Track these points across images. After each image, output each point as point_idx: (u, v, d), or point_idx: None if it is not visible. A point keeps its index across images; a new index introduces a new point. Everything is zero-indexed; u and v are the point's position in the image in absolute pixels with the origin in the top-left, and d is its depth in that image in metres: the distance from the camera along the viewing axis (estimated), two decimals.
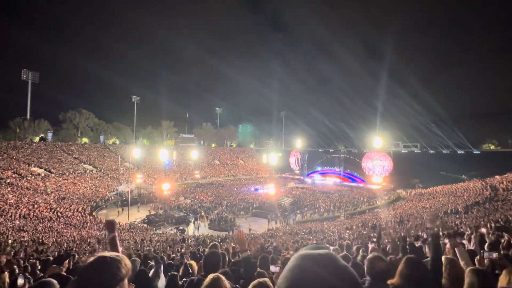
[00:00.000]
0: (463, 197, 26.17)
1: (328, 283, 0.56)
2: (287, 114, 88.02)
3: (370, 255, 2.14)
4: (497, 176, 28.89)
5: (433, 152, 62.20)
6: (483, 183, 28.73)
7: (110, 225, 2.09)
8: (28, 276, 2.31)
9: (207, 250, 7.48)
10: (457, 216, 18.82)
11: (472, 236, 3.76)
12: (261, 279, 1.67)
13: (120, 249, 2.08)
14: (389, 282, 1.85)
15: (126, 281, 1.09)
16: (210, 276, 1.71)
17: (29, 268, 4.73)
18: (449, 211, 21.49)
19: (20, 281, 2.06)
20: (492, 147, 69.70)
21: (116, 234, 2.12)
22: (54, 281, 1.68)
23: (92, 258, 1.05)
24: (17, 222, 20.69)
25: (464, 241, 4.72)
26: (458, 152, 59.13)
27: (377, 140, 48.91)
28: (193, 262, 4.50)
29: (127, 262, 1.10)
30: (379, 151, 46.81)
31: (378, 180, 43.49)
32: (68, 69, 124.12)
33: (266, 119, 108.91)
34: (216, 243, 5.73)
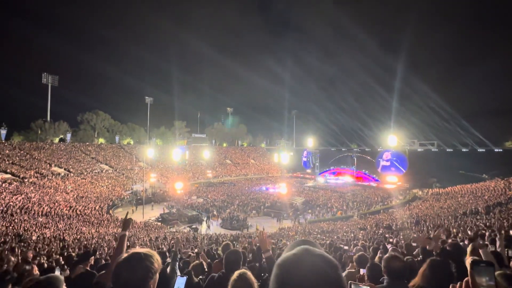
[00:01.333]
0: (483, 197, 25.10)
1: (313, 266, 0.60)
2: (298, 113, 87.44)
3: (387, 255, 2.14)
4: None
5: (451, 150, 59.95)
6: (505, 182, 27.44)
7: (127, 223, 2.16)
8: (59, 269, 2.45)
9: (219, 249, 7.58)
10: (478, 217, 18.08)
11: (497, 238, 3.61)
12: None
13: (125, 248, 2.09)
14: (411, 283, 1.83)
15: (157, 275, 1.15)
16: (238, 271, 1.75)
17: (54, 263, 4.98)
18: (468, 212, 20.68)
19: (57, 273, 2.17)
20: None
21: (127, 233, 2.16)
22: (60, 277, 1.72)
23: (126, 254, 1.11)
24: (40, 219, 21.69)
25: (485, 243, 4.53)
26: (479, 150, 56.70)
27: (391, 138, 47.67)
28: (205, 260, 4.58)
29: (158, 257, 1.16)
30: (394, 150, 45.62)
31: (393, 179, 42.42)
32: (85, 72, 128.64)
33: (277, 118, 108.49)
34: (229, 242, 5.80)
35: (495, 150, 55.49)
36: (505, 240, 3.66)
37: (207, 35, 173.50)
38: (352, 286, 1.64)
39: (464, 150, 58.77)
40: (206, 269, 4.93)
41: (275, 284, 0.61)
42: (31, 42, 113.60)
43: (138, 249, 1.15)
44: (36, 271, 3.38)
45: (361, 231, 17.79)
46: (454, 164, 49.39)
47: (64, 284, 1.72)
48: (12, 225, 18.35)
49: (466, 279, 0.81)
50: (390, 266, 1.91)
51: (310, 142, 59.45)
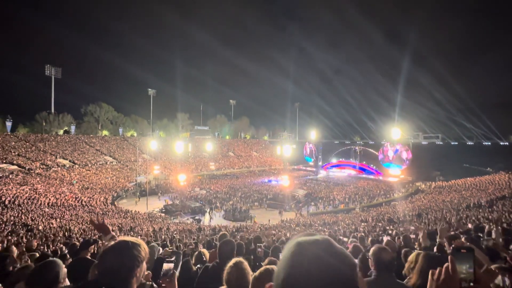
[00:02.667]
0: (487, 190, 24.95)
1: (331, 266, 0.55)
2: (301, 105, 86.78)
3: (374, 247, 2.08)
4: None
5: (456, 143, 59.29)
6: (510, 175, 27.18)
7: (103, 229, 2.12)
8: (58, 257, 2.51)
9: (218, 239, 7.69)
10: (480, 210, 18.01)
11: (493, 231, 3.61)
12: (269, 266, 1.71)
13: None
14: (409, 282, 1.81)
15: (144, 264, 1.15)
16: (234, 260, 1.76)
17: (58, 251, 5.10)
18: (471, 205, 20.60)
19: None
20: None
21: (113, 234, 2.14)
22: (59, 261, 1.77)
23: (113, 242, 1.11)
24: (46, 209, 22.15)
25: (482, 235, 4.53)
26: (484, 143, 55.99)
27: (395, 131, 47.22)
28: (205, 250, 4.65)
29: (145, 246, 1.16)
30: (398, 144, 45.24)
31: (396, 172, 42.25)
32: (89, 64, 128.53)
33: (280, 111, 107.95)
34: (226, 232, 5.87)
35: (501, 143, 54.75)
36: (505, 234, 3.65)
37: (211, 27, 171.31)
38: None
39: (469, 143, 58.11)
40: (205, 259, 5.01)
41: (285, 263, 0.58)
42: (35, 33, 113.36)
43: (125, 238, 1.15)
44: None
45: (362, 224, 17.87)
46: (459, 158, 48.93)
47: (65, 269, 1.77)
48: (19, 215, 18.78)
49: (446, 265, 0.80)
50: (378, 258, 1.90)
51: (313, 134, 59.17)
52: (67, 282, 1.83)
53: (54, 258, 1.86)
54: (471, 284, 0.87)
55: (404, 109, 77.01)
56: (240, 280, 1.65)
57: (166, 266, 1.64)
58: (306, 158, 58.02)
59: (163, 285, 1.64)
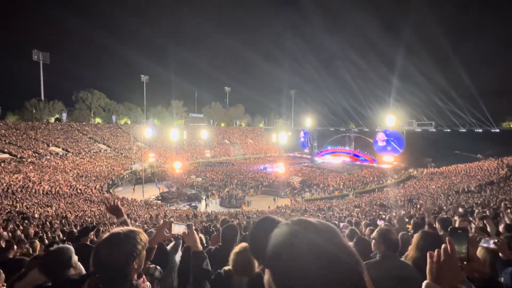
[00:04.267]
0: (476, 176, 25.66)
1: (330, 254, 0.49)
2: (297, 92, 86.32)
3: (383, 227, 2.16)
4: None
5: (449, 130, 60.25)
6: (499, 162, 27.92)
7: (116, 211, 2.01)
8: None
9: (218, 225, 7.82)
10: (469, 195, 18.61)
11: (485, 221, 3.72)
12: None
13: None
14: (407, 255, 1.89)
15: (143, 253, 1.10)
16: (241, 244, 1.80)
17: (57, 238, 5.12)
18: (460, 190, 21.24)
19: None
20: None
21: (125, 217, 2.02)
22: (70, 246, 1.79)
23: (106, 235, 1.04)
24: (40, 197, 22.04)
25: (472, 219, 4.71)
26: (476, 130, 57.02)
27: (389, 118, 47.58)
28: (202, 236, 4.74)
29: (143, 236, 1.09)
30: (392, 130, 45.69)
31: (389, 159, 42.95)
32: (79, 49, 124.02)
33: (275, 98, 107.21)
34: (227, 217, 5.96)
35: (492, 130, 55.81)
36: (491, 216, 3.78)
37: (205, 12, 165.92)
38: None
39: (461, 130, 59.10)
40: (205, 243, 5.10)
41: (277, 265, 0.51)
42: (21, 16, 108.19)
43: (118, 229, 1.07)
44: (38, 246, 3.46)
45: (356, 209, 18.33)
46: (451, 144, 49.91)
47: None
48: (13, 203, 18.66)
49: (443, 246, 0.82)
50: (386, 239, 1.95)
51: (309, 122, 59.26)
52: (81, 267, 1.84)
53: (66, 244, 1.87)
54: (465, 263, 0.91)
55: (399, 97, 77.33)
56: (246, 263, 1.71)
57: (175, 227, 1.64)
58: (302, 145, 58.40)
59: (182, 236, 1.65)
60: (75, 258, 1.74)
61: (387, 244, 1.93)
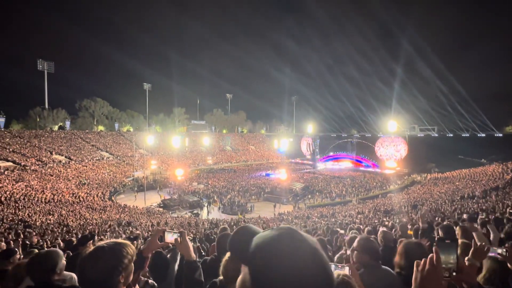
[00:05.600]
0: (481, 181, 25.36)
1: (309, 264, 0.52)
2: (298, 99, 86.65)
3: (363, 236, 2.12)
4: None
5: (451, 135, 59.90)
6: (504, 167, 27.61)
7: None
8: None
9: (218, 232, 7.75)
10: (474, 200, 18.34)
11: (488, 227, 3.66)
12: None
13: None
14: (395, 260, 1.87)
15: (131, 266, 1.06)
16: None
17: (57, 247, 5.11)
18: (466, 196, 20.96)
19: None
20: None
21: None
22: (59, 252, 1.79)
23: (91, 249, 1.02)
24: (43, 205, 22.07)
25: (477, 226, 4.62)
26: (479, 135, 56.63)
27: (391, 123, 47.49)
28: (203, 244, 4.68)
29: (129, 249, 1.06)
30: (394, 136, 45.54)
31: (392, 164, 42.68)
32: (83, 58, 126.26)
33: (277, 104, 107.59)
34: (226, 226, 5.91)
35: (495, 135, 55.39)
36: (493, 222, 3.72)
37: (207, 20, 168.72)
38: (332, 266, 1.66)
39: (464, 135, 58.73)
40: (204, 253, 5.05)
41: (256, 272, 0.53)
42: (27, 26, 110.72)
43: (103, 242, 1.04)
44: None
45: (359, 215, 18.11)
46: (454, 149, 49.50)
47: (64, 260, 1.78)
48: (16, 211, 18.69)
49: (430, 255, 0.82)
50: (369, 248, 1.90)
51: (310, 128, 59.32)
52: (66, 275, 1.84)
53: (55, 249, 1.87)
54: (454, 273, 0.90)
55: (400, 102, 77.23)
56: (237, 272, 1.65)
57: (168, 235, 1.61)
58: (304, 151, 58.25)
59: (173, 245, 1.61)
60: (61, 264, 1.74)
61: (371, 253, 1.89)
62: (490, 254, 1.67)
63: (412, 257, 1.64)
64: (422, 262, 0.83)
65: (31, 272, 1.68)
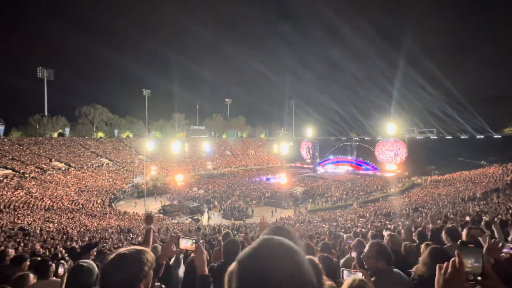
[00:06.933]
0: (482, 183, 25.33)
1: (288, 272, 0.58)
2: (297, 103, 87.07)
3: (374, 242, 2.09)
4: None
5: (450, 137, 60.05)
6: (504, 168, 27.63)
7: (149, 219, 2.43)
8: (63, 263, 2.48)
9: (220, 237, 7.69)
10: (475, 203, 18.30)
11: (493, 226, 3.65)
12: None
13: (151, 240, 2.24)
14: (413, 270, 1.85)
15: (150, 274, 1.06)
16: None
17: (59, 255, 5.06)
18: (466, 198, 20.91)
19: (60, 270, 2.21)
20: None
21: (152, 227, 2.36)
22: (92, 264, 1.79)
23: (112, 255, 1.02)
24: (42, 213, 21.91)
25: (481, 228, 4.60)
26: (477, 137, 56.80)
27: (390, 126, 47.64)
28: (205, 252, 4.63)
29: (149, 256, 1.06)
30: (393, 139, 45.64)
31: (392, 167, 42.67)
32: (82, 65, 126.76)
33: (276, 109, 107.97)
34: (229, 231, 5.88)
35: (494, 136, 55.56)
36: (499, 223, 3.71)
37: (206, 26, 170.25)
38: (344, 272, 1.66)
39: (463, 137, 58.89)
40: (208, 259, 5.01)
41: (236, 284, 0.60)
42: (26, 34, 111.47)
43: (124, 249, 1.04)
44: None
45: (361, 219, 18.03)
46: (453, 151, 49.60)
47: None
48: (15, 219, 18.55)
49: (453, 259, 0.82)
50: (384, 253, 1.89)
51: (310, 132, 59.46)
52: None
53: (88, 262, 1.81)
54: (479, 278, 0.89)
55: (399, 105, 77.63)
56: None
57: (183, 241, 1.64)
58: (304, 155, 58.23)
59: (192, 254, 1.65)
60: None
61: (387, 259, 1.87)
62: (505, 250, 1.64)
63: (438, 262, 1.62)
64: (444, 265, 0.83)
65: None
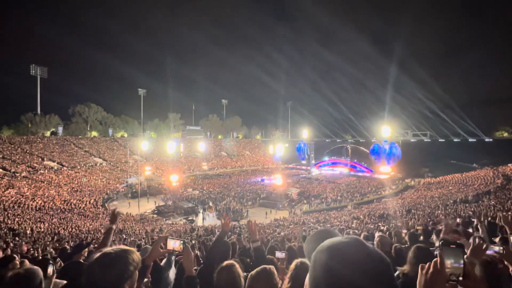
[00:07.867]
0: (473, 186, 25.76)
1: (369, 268, 0.60)
2: (293, 104, 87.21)
3: (379, 233, 2.13)
4: (510, 164, 28.23)
5: (443, 140, 60.90)
6: (495, 171, 28.15)
7: (114, 217, 2.27)
8: (52, 263, 2.44)
9: (213, 238, 7.67)
10: (467, 205, 18.60)
11: (479, 226, 3.73)
12: (266, 266, 1.63)
13: (109, 242, 2.12)
14: (400, 269, 1.88)
15: (136, 274, 1.06)
16: (226, 262, 1.72)
17: (49, 255, 4.98)
18: (458, 200, 21.24)
19: (50, 269, 2.16)
20: (506, 134, 67.55)
21: (114, 227, 2.22)
22: (38, 272, 1.63)
23: (97, 255, 1.01)
24: (33, 213, 21.53)
25: (471, 231, 4.70)
26: (470, 140, 57.73)
27: (385, 129, 48.10)
28: (198, 253, 4.61)
29: (135, 256, 1.05)
30: (388, 142, 46.09)
31: (386, 169, 43.06)
32: (76, 63, 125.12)
33: (272, 110, 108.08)
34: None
35: (486, 140, 56.56)
36: (488, 226, 3.78)
37: (201, 26, 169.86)
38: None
39: (456, 140, 59.78)
40: (202, 260, 4.99)
41: (322, 272, 0.61)
42: (19, 30, 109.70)
43: (110, 249, 1.03)
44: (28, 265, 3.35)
45: (355, 220, 18.16)
46: (446, 154, 50.31)
47: (43, 277, 1.67)
48: (5, 219, 18.18)
49: (434, 259, 0.83)
50: (383, 242, 1.93)
51: (305, 133, 59.54)
52: (58, 283, 1.76)
53: (34, 267, 1.67)
54: (460, 278, 0.91)
55: (394, 108, 78.38)
56: (230, 284, 1.61)
57: (171, 242, 1.62)
58: (299, 157, 58.37)
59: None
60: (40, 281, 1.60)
61: (382, 247, 1.91)
62: (488, 252, 1.64)
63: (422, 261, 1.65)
64: (426, 265, 0.84)
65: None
